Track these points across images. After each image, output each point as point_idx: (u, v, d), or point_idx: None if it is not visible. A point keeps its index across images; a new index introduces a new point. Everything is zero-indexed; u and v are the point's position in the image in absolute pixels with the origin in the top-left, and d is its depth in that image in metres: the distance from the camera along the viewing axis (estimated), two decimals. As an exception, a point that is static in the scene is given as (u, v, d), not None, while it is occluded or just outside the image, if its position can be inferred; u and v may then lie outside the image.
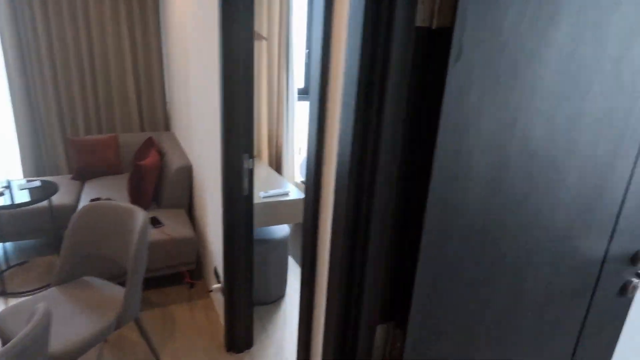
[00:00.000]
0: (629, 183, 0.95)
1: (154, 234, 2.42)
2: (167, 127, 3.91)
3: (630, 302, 1.10)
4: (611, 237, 0.99)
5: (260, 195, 2.30)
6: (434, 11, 0.65)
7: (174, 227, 2.56)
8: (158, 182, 2.93)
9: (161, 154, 3.10)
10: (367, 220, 0.73)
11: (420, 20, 0.65)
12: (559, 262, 0.94)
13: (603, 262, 1.01)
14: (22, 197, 2.47)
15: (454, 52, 0.64)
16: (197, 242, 2.66)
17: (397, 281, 0.82)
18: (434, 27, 0.66)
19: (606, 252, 1.00)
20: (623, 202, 0.97)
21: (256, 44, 2.86)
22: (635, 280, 1.07)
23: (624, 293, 1.07)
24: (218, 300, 2.28)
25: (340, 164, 0.77)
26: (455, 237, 0.76)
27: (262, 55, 2.91)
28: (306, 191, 0.95)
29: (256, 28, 2.81)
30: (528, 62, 0.71)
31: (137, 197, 2.71)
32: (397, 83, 0.66)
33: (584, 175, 0.87)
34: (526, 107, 0.74)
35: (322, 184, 0.93)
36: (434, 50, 0.68)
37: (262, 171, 2.79)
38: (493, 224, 0.80)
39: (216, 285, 2.07)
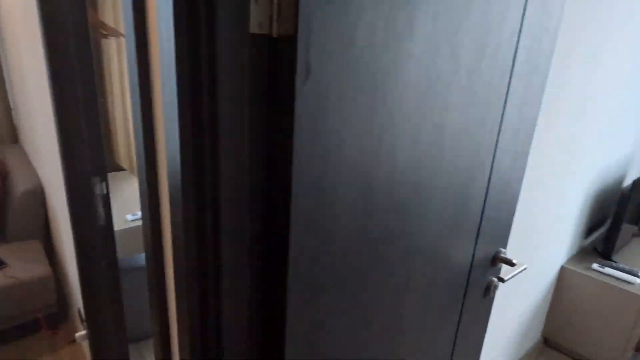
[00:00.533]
0: (487, 191, 0.92)
1: (-7, 278, 1.88)
2: (14, 138, 3.16)
3: (492, 301, 1.10)
4: (475, 244, 0.95)
5: (128, 218, 1.94)
6: (272, 14, 0.48)
7: (23, 266, 2.03)
8: (0, 210, 2.32)
9: (3, 175, 2.47)
10: (216, 292, 0.54)
11: (256, 26, 0.48)
12: (434, 278, 0.86)
13: (470, 268, 0.97)
14: None
15: (301, 68, 0.48)
16: (58, 280, 2.16)
17: (268, 343, 0.65)
18: (275, 34, 0.49)
19: (472, 258, 0.96)
20: (483, 209, 0.93)
21: (113, 42, 2.43)
22: (495, 279, 1.06)
23: (488, 293, 1.06)
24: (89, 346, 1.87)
25: (174, 225, 0.56)
26: (327, 284, 0.62)
27: (123, 56, 2.48)
28: (144, 235, 0.72)
29: (112, 24, 2.38)
30: (387, 78, 0.58)
31: (-32, 233, 2.10)
32: (233, 106, 0.48)
33: (449, 191, 0.80)
34: (390, 128, 0.62)
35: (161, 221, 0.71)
36: (281, 65, 0.50)
37: (134, 189, 2.39)
38: (368, 260, 0.67)
39: (80, 333, 1.67)
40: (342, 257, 0.63)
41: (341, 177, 0.57)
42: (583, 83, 1.54)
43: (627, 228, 2.24)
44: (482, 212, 0.93)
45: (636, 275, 2.00)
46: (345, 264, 0.64)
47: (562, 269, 2.13)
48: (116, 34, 2.34)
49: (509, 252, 1.55)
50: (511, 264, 1.00)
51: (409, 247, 0.76)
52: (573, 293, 2.12)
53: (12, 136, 3.12)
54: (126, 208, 2.04)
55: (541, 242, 1.78)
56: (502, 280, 0.98)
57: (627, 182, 2.70)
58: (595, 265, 2.09)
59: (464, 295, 0.99)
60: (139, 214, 1.93)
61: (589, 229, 2.33)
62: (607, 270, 2.05)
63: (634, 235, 2.53)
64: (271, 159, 0.54)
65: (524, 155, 1.01)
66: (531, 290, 1.91)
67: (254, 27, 0.47)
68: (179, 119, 0.48)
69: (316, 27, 0.48)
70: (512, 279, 1.51)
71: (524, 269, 1.01)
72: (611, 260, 2.17)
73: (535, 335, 2.22)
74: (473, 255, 0.96)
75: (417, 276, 0.81)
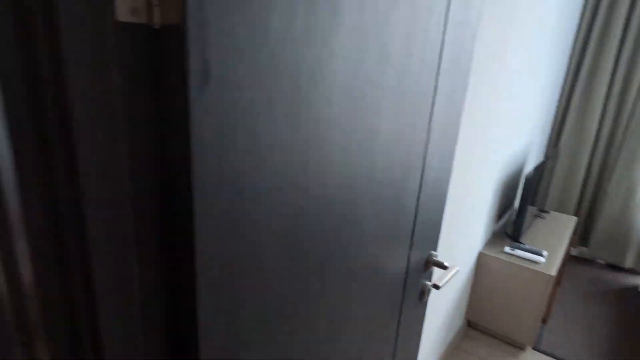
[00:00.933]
0: (418, 195, 0.87)
1: None
2: None
3: (426, 304, 1.07)
4: (410, 251, 0.90)
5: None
6: (150, -4, 0.34)
7: None
8: None
9: None
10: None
11: (127, 12, 0.34)
12: (373, 294, 0.79)
13: (406, 277, 0.92)
14: None
15: (196, 69, 0.35)
16: None
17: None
18: (157, 25, 0.36)
19: (407, 266, 0.91)
20: (416, 215, 0.88)
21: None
22: (428, 283, 1.03)
23: (422, 297, 1.03)
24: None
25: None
26: (252, 332, 0.50)
27: None
28: None
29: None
30: (312, 80, 0.48)
31: None
32: (95, 121, 0.34)
33: (383, 201, 0.73)
34: (318, 139, 0.51)
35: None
36: (169, 67, 0.37)
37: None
38: (301, 293, 0.57)
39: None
40: (270, 299, 0.52)
41: (261, 206, 0.46)
42: (492, 80, 1.60)
43: (530, 210, 2.44)
44: (415, 218, 0.88)
45: (540, 255, 2.18)
46: (272, 306, 0.52)
47: (480, 255, 2.25)
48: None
49: (437, 251, 1.56)
50: (443, 267, 0.98)
51: (346, 269, 0.67)
52: (490, 276, 2.26)
53: None
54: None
55: (463, 234, 1.84)
56: (437, 287, 0.95)
57: (527, 168, 2.96)
58: (507, 249, 2.24)
59: (401, 304, 0.94)
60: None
61: (499, 214, 2.49)
62: (517, 252, 2.21)
63: (535, 216, 2.77)
64: (166, 193, 0.40)
65: (451, 154, 0.98)
66: (456, 280, 1.98)
67: (124, 14, 0.33)
68: (9, 139, 0.32)
69: (214, 14, 0.35)
70: (449, 269, 1.52)
71: (457, 272, 0.99)
72: (519, 242, 2.34)
73: (460, 320, 2.32)
74: (408, 263, 0.91)
75: (355, 296, 0.73)
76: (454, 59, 0.83)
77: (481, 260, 2.25)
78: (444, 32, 0.75)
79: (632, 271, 3.30)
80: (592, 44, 3.03)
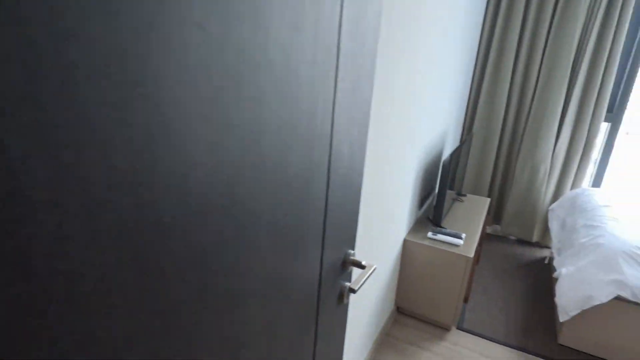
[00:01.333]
0: (327, 192, 0.78)
1: None
2: None
3: (347, 307, 0.99)
4: (322, 255, 0.81)
5: None
6: None
7: None
8: None
9: None
10: None
11: None
12: (283, 304, 0.68)
13: (320, 282, 0.83)
14: None
15: None
16: None
17: None
18: None
19: (321, 271, 0.82)
20: (326, 214, 0.79)
21: None
22: (347, 284, 0.96)
23: (342, 299, 0.95)
24: None
25: None
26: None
27: None
28: None
29: None
30: (147, 52, 0.35)
31: None
32: None
33: (282, 204, 0.62)
34: (168, 136, 0.38)
35: None
36: None
37: None
38: (175, 336, 0.44)
39: None
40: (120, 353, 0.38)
41: (82, 230, 0.32)
42: (407, 70, 1.57)
43: (449, 194, 2.52)
44: (325, 217, 0.79)
45: (460, 237, 2.26)
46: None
47: (405, 242, 2.27)
48: None
49: (360, 247, 1.50)
50: (361, 267, 0.90)
51: (238, 287, 0.55)
52: (415, 262, 2.29)
53: None
54: None
55: (387, 225, 1.82)
56: (353, 291, 0.88)
57: (445, 154, 3.06)
58: (429, 234, 2.29)
59: (317, 311, 0.85)
60: None
61: (422, 200, 2.55)
62: (439, 236, 2.26)
63: (454, 200, 2.89)
64: None
65: (362, 146, 0.91)
66: (384, 269, 1.96)
67: None
68: None
69: None
70: (367, 268, 1.46)
71: (374, 270, 0.92)
72: (441, 226, 2.40)
73: (390, 306, 2.33)
74: (321, 267, 0.82)
75: (255, 315, 0.62)
76: (357, 37, 0.74)
77: (406, 247, 2.27)
78: (341, 6, 0.65)
79: (538, 245, 3.62)
80: (496, 37, 3.22)
